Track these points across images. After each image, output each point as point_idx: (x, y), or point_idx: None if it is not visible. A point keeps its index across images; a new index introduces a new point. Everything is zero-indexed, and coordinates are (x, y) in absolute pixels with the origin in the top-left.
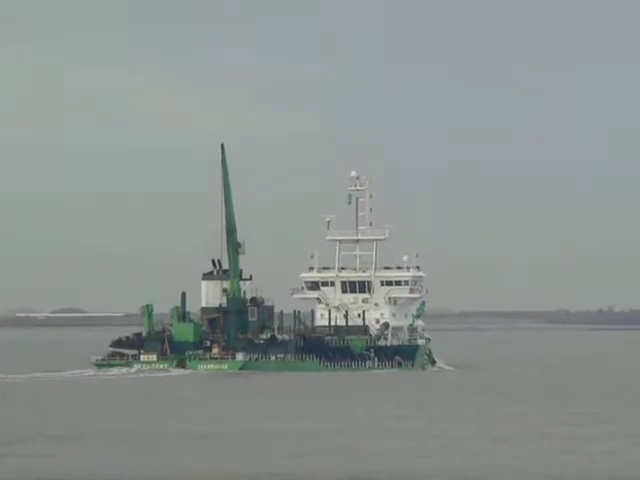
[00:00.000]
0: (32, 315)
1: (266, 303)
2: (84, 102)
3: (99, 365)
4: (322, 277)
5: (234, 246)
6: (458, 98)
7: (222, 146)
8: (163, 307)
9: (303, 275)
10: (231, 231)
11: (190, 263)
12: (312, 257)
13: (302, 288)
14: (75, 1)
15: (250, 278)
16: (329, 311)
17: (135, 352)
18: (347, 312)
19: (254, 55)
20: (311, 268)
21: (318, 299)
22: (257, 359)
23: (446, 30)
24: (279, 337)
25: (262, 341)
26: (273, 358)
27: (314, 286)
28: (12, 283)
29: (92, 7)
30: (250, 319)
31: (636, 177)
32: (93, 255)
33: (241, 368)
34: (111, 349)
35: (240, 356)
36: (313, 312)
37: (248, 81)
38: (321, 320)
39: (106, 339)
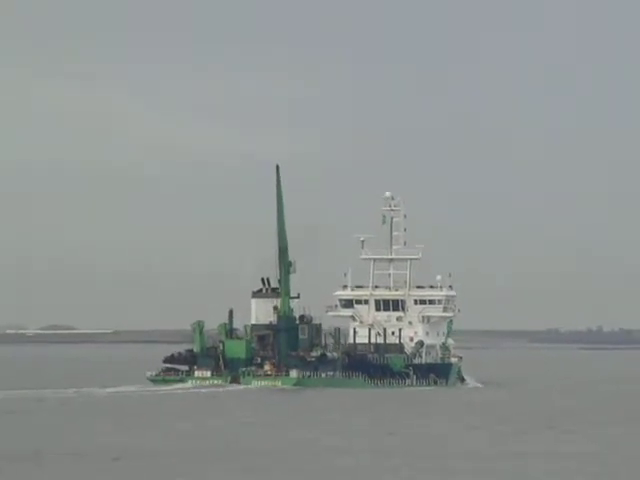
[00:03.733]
0: (20, 332)
1: (314, 321)
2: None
3: (154, 380)
4: (356, 295)
5: (286, 265)
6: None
7: (277, 167)
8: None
9: (337, 293)
10: (283, 250)
11: (235, 281)
12: (345, 275)
13: (336, 306)
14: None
15: (298, 296)
16: (368, 329)
17: (186, 368)
18: (385, 330)
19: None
20: (345, 286)
21: (352, 317)
22: (309, 376)
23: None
24: (329, 355)
25: (313, 359)
26: (323, 375)
27: (348, 304)
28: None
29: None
30: (300, 337)
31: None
32: (96, 274)
33: (295, 385)
34: (164, 365)
35: (294, 373)
36: (355, 330)
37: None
38: (356, 338)
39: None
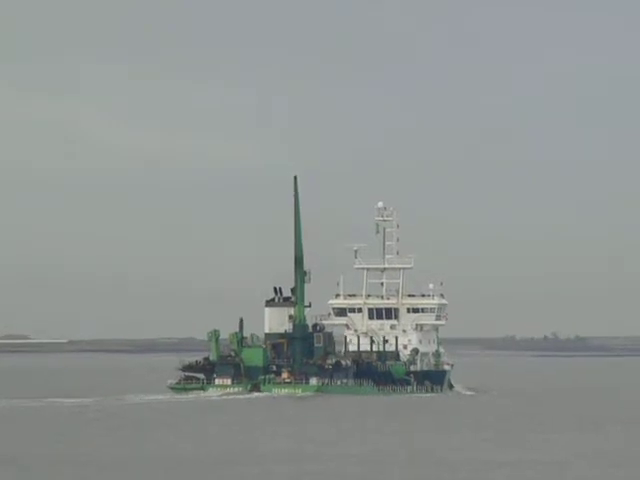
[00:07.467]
0: None
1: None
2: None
3: (175, 389)
4: (349, 304)
5: (301, 275)
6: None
7: (295, 178)
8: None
9: (331, 302)
10: (299, 260)
11: (241, 291)
12: (338, 284)
13: (329, 314)
14: None
15: (309, 305)
16: (370, 337)
17: (203, 376)
18: (384, 338)
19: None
20: (338, 295)
21: (346, 325)
22: (327, 384)
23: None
24: (342, 362)
25: (330, 366)
26: (338, 382)
27: (341, 312)
28: None
29: None
30: (316, 345)
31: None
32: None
33: (315, 392)
34: (183, 373)
35: (314, 380)
36: (358, 338)
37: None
38: (350, 346)
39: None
